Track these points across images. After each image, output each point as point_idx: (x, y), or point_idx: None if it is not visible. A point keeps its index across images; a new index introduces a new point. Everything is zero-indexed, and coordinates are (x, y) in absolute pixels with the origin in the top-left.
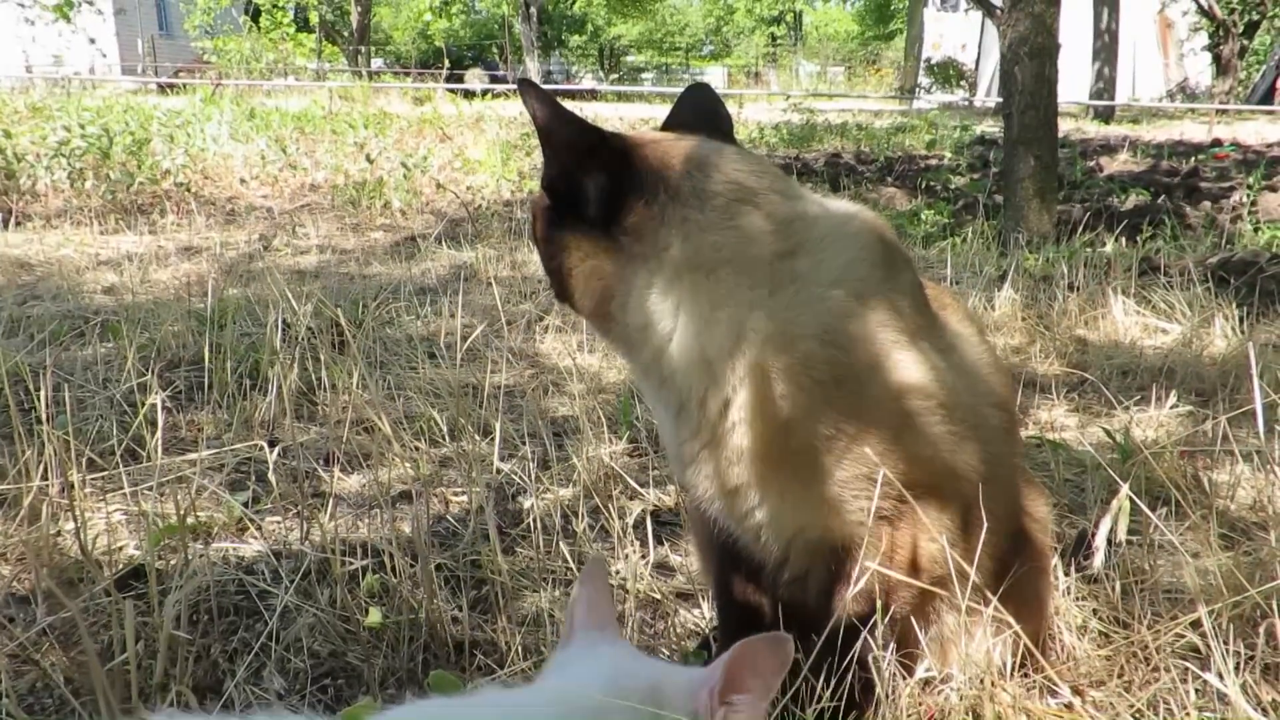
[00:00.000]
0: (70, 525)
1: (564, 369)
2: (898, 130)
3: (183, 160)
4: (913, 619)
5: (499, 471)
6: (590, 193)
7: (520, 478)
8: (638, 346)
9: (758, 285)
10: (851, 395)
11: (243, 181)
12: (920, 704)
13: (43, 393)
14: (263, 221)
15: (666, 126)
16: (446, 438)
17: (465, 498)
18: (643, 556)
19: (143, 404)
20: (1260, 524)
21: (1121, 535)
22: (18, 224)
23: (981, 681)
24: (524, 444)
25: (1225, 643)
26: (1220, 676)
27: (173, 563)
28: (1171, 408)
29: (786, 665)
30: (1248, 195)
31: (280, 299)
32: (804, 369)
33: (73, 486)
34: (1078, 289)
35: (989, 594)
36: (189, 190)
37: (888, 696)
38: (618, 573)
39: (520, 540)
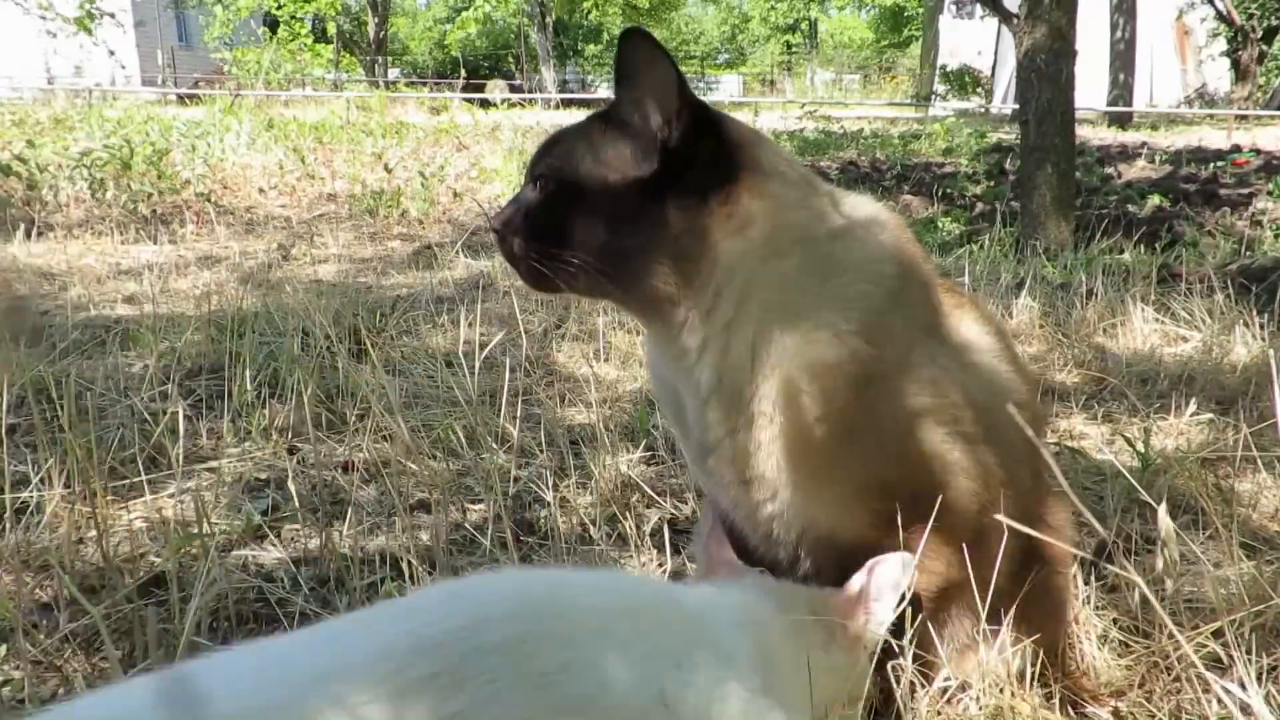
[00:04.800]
0: (92, 533)
1: (581, 377)
2: (914, 137)
3: (202, 170)
4: (929, 625)
5: (516, 480)
6: (704, 159)
7: (537, 486)
8: (692, 329)
9: (814, 271)
10: (874, 393)
11: (261, 191)
12: (939, 713)
13: (65, 402)
14: (281, 231)
15: None
16: (464, 446)
17: (483, 506)
18: (660, 565)
19: (163, 413)
20: None
21: (1173, 555)
22: (40, 234)
23: (1001, 691)
24: (541, 452)
25: (1248, 653)
26: (1243, 686)
27: (193, 570)
28: (1192, 416)
29: (906, 576)
30: (1269, 201)
31: (299, 308)
32: (846, 363)
33: (95, 494)
34: (1096, 296)
35: (1007, 601)
36: (208, 200)
37: (906, 705)
38: None
39: (538, 548)
